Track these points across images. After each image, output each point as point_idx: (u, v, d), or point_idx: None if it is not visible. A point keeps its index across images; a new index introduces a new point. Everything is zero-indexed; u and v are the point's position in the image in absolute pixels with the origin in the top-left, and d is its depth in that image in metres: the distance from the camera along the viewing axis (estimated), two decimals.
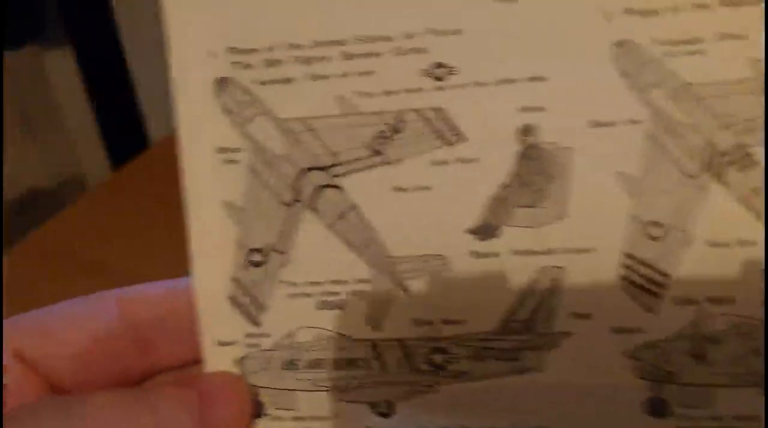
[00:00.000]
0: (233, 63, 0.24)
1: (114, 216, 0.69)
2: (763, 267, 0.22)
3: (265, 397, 0.25)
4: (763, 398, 0.22)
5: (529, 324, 0.23)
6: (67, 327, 0.25)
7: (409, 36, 0.24)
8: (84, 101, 0.91)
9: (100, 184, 0.80)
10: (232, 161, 0.25)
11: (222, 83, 0.24)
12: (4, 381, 0.24)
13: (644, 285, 0.23)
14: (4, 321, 0.25)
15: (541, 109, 0.23)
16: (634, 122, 0.23)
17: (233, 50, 0.24)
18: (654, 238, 0.23)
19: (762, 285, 0.22)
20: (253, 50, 0.24)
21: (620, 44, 0.23)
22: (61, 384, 0.25)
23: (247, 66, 0.24)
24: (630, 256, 0.23)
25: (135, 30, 0.91)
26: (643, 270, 0.23)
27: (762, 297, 0.22)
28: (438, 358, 0.24)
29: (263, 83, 0.24)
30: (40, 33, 0.88)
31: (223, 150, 0.25)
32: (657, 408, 0.23)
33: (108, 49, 0.89)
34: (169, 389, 0.24)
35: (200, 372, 0.26)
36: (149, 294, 0.26)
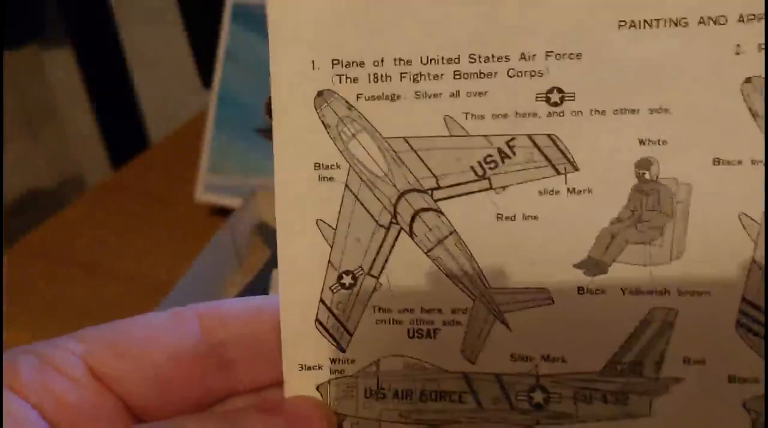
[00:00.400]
0: (337, 76, 0.23)
1: (114, 217, 0.69)
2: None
3: (348, 426, 0.24)
4: None
5: (636, 367, 0.22)
6: (146, 344, 0.24)
7: (527, 57, 0.22)
8: (84, 101, 0.91)
9: (100, 184, 0.80)
10: (329, 178, 0.24)
11: (324, 96, 0.23)
12: (77, 398, 0.23)
13: (762, 333, 0.22)
14: (72, 334, 0.24)
15: (662, 142, 0.22)
16: (759, 162, 0.22)
17: (338, 62, 0.23)
18: None
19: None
20: (359, 63, 0.23)
21: (750, 80, 0.22)
22: (138, 406, 0.24)
23: (352, 79, 0.23)
24: (749, 303, 0.22)
25: (135, 30, 0.90)
26: (761, 316, 0.22)
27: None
28: (538, 396, 0.23)
29: (368, 98, 0.23)
30: (40, 33, 0.88)
31: (319, 166, 0.24)
32: None
33: (108, 49, 0.89)
34: (256, 415, 0.23)
35: (279, 396, 0.24)
36: (230, 312, 0.25)
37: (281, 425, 0.23)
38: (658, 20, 0.22)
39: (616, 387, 0.22)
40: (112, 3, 0.89)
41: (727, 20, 0.22)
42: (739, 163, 0.22)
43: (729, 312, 0.22)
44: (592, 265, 0.23)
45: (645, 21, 0.22)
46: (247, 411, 0.23)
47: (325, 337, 0.24)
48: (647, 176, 0.22)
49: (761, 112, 0.22)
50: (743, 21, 0.22)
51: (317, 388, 0.24)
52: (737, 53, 0.22)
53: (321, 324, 0.24)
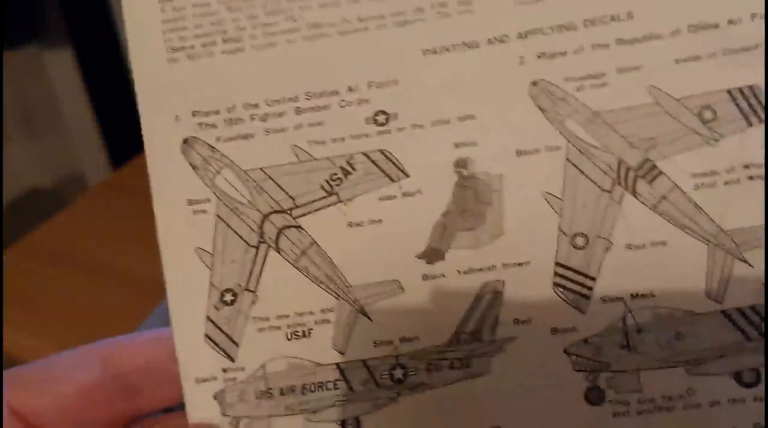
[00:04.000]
0: (198, 124, 0.28)
1: (114, 217, 0.69)
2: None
3: (243, 426, 0.27)
4: (688, 377, 0.25)
5: (476, 334, 0.26)
6: (58, 381, 0.28)
7: (353, 89, 0.27)
8: (84, 101, 0.92)
9: (100, 184, 0.81)
10: (202, 211, 0.28)
11: (189, 143, 0.28)
12: None
13: (575, 289, 0.26)
14: (5, 373, 0.28)
15: (473, 143, 0.27)
16: (554, 149, 0.26)
17: (197, 113, 0.28)
18: (580, 247, 0.26)
19: (677, 279, 0.25)
20: (215, 112, 0.28)
21: (535, 83, 0.27)
22: None
23: (211, 125, 0.28)
24: (561, 265, 0.26)
25: None
26: (572, 276, 0.26)
27: (679, 290, 0.25)
28: (398, 373, 0.27)
29: (226, 140, 0.28)
30: (40, 33, 0.89)
31: (192, 202, 0.28)
32: (594, 396, 0.25)
33: (108, 49, 0.90)
34: None
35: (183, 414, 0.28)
36: (132, 345, 0.29)
37: None
38: (454, 45, 0.27)
39: (461, 354, 0.26)
40: (112, 3, 0.90)
41: (509, 38, 0.27)
42: (537, 151, 0.27)
43: (546, 276, 0.26)
44: (431, 254, 0.27)
45: (443, 47, 0.27)
46: None
47: (216, 350, 0.28)
48: (465, 173, 0.27)
49: (547, 107, 0.26)
50: (523, 37, 0.27)
51: (214, 397, 0.28)
52: (521, 63, 0.27)
53: (210, 339, 0.28)
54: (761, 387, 0.24)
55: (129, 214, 0.68)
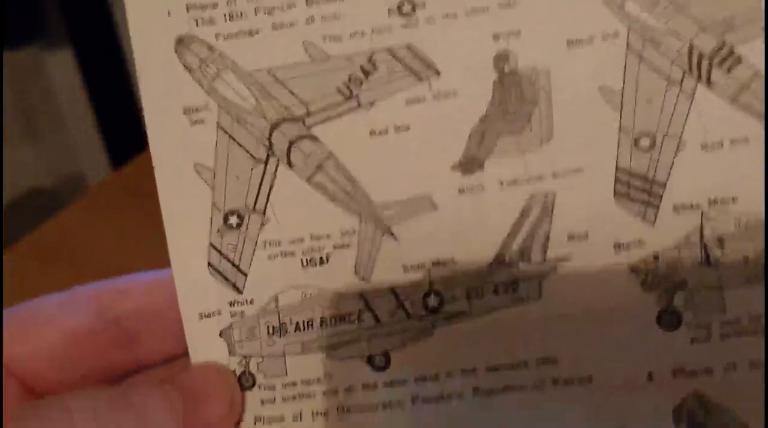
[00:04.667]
0: (193, 19, 0.24)
1: (114, 217, 0.68)
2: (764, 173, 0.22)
3: (254, 367, 0.24)
4: None
5: (524, 254, 0.23)
6: (42, 326, 0.24)
7: None
8: (84, 101, 0.92)
9: (100, 184, 0.80)
10: (200, 121, 0.24)
11: (183, 41, 0.24)
12: None
13: (641, 198, 0.22)
14: None
15: (515, 33, 0.23)
16: (611, 36, 0.23)
17: (193, 6, 0.24)
18: (645, 149, 0.22)
19: (763, 180, 0.21)
20: (213, 5, 0.24)
21: None
22: (39, 386, 0.24)
23: (209, 21, 0.24)
24: (623, 171, 0.22)
25: None
26: (637, 182, 0.22)
27: (761, 193, 0.21)
28: (432, 301, 0.23)
29: (226, 38, 0.24)
30: (40, 33, 0.89)
31: (189, 110, 0.24)
32: (669, 320, 0.22)
33: (108, 49, 0.89)
34: (150, 388, 0.23)
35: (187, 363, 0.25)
36: (129, 287, 0.25)
37: (176, 397, 0.23)
38: None
39: (506, 277, 0.23)
40: (112, 3, 0.89)
41: None
42: (591, 39, 0.23)
43: (605, 184, 0.22)
44: (468, 163, 0.23)
45: None
46: (143, 383, 0.24)
47: (220, 281, 0.24)
48: (506, 69, 0.23)
49: None
50: None
51: (220, 334, 0.24)
52: None
53: (214, 268, 0.24)
54: None
55: (129, 214, 0.65)
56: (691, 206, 0.22)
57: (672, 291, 0.22)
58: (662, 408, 0.22)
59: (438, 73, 0.23)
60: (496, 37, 0.23)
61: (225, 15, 0.24)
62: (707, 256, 0.22)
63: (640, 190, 0.22)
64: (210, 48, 0.24)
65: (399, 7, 0.24)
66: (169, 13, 0.24)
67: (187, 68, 0.24)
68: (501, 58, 0.23)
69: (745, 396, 0.21)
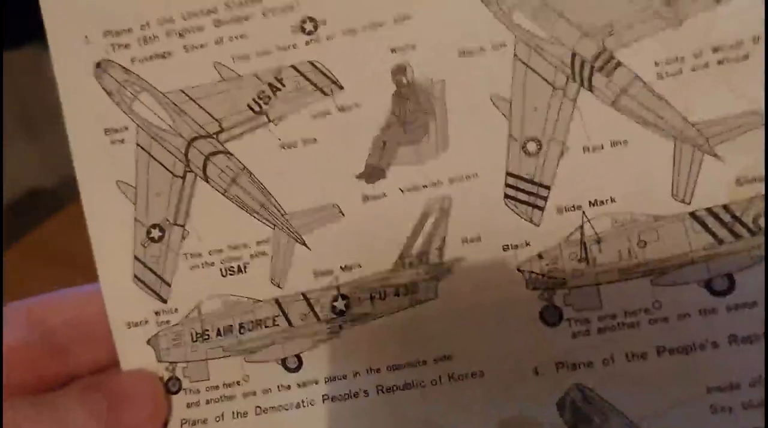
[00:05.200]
0: (111, 44, 0.26)
1: None
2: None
3: (180, 372, 0.26)
4: (652, 288, 0.22)
5: (423, 257, 0.24)
6: None
7: None
8: None
9: None
10: (120, 141, 0.26)
11: (102, 66, 0.26)
12: None
13: (527, 200, 0.23)
14: None
15: (411, 46, 0.24)
16: (500, 46, 0.24)
17: (109, 32, 0.26)
18: (532, 154, 0.23)
19: (640, 181, 0.23)
20: (127, 30, 0.25)
21: None
22: None
23: (124, 46, 0.26)
24: (512, 175, 0.24)
25: None
26: (525, 186, 0.23)
27: (642, 193, 0.22)
28: (340, 304, 0.24)
29: (141, 61, 0.25)
30: (40, 33, 0.90)
31: (109, 131, 0.26)
32: (551, 316, 0.23)
33: None
34: (74, 394, 0.25)
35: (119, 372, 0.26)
36: (60, 300, 0.27)
37: (100, 402, 0.24)
38: None
39: (406, 280, 0.24)
40: None
41: None
42: (482, 49, 0.24)
43: (496, 189, 0.24)
44: (371, 172, 0.25)
45: None
46: (68, 390, 0.25)
47: (146, 292, 0.26)
48: (404, 81, 0.24)
49: None
50: None
51: (148, 342, 0.26)
52: None
53: (139, 279, 0.26)
54: (735, 295, 0.22)
55: None
56: (573, 207, 0.23)
57: (553, 288, 0.23)
58: (547, 400, 0.23)
59: (341, 87, 0.25)
60: (393, 50, 0.24)
61: (139, 39, 0.26)
62: (586, 254, 0.23)
63: (527, 193, 0.23)
64: (127, 71, 0.26)
65: (302, 25, 0.25)
66: (87, 38, 0.26)
67: (107, 91, 0.26)
68: (399, 71, 0.25)
69: (623, 386, 0.22)
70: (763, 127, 0.22)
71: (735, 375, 0.22)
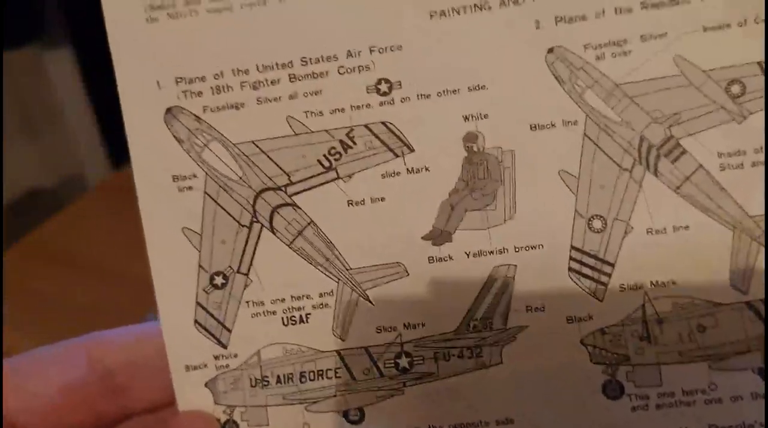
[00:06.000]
0: (183, 92, 0.26)
1: (114, 217, 0.70)
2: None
3: (238, 416, 0.26)
4: (709, 371, 0.24)
5: (487, 322, 0.25)
6: (36, 379, 0.26)
7: (353, 54, 0.25)
8: (84, 101, 0.92)
9: (100, 184, 0.81)
10: (188, 188, 0.26)
11: (172, 112, 0.26)
12: None
13: (591, 275, 0.25)
14: None
15: (483, 116, 0.25)
16: (571, 123, 0.25)
17: (181, 80, 0.26)
18: (597, 231, 0.25)
19: (700, 267, 0.24)
20: (200, 78, 0.26)
21: (552, 51, 0.25)
22: None
23: (197, 94, 0.26)
24: (577, 249, 0.25)
25: None
26: (589, 261, 0.25)
27: (701, 278, 0.24)
28: (403, 361, 0.26)
29: (213, 110, 0.26)
30: (40, 33, 0.88)
31: (178, 178, 0.26)
32: (613, 390, 0.25)
33: (108, 49, 0.89)
34: None
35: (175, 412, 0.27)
36: (119, 339, 0.27)
37: None
38: (464, 6, 0.25)
39: (470, 343, 0.25)
40: None
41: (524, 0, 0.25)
42: (553, 125, 0.25)
43: (561, 261, 0.25)
44: (438, 235, 0.26)
45: (452, 8, 0.25)
46: None
47: (206, 336, 0.26)
48: (475, 148, 0.25)
49: (564, 77, 0.25)
50: None
51: (206, 385, 0.27)
52: (537, 28, 0.25)
53: (200, 324, 0.26)
54: None
55: (129, 214, 0.69)
56: (636, 287, 0.25)
57: (616, 364, 0.25)
58: None
59: (412, 149, 0.26)
60: (466, 118, 0.25)
61: (212, 88, 0.26)
62: (648, 333, 0.25)
63: (591, 268, 0.25)
64: (198, 119, 0.26)
65: (377, 86, 0.26)
66: (158, 84, 0.26)
67: (177, 138, 0.26)
68: (470, 138, 0.26)
69: None
70: None
71: None
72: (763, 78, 0.24)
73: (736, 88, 0.24)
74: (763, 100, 0.24)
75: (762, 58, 0.24)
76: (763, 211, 0.24)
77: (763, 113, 0.24)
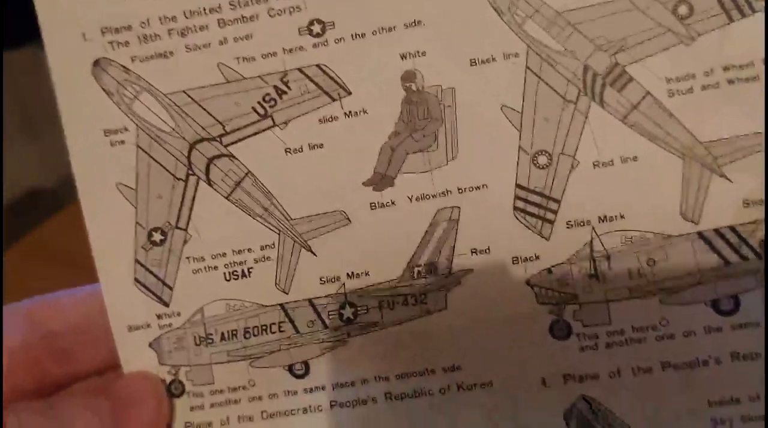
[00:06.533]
0: (109, 43, 0.25)
1: None
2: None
3: (183, 375, 0.26)
4: (660, 306, 0.23)
5: (431, 267, 0.24)
6: None
7: None
8: None
9: None
10: (120, 142, 0.25)
11: (100, 64, 0.25)
12: None
13: (537, 213, 0.24)
14: None
15: (421, 53, 0.24)
16: (512, 56, 0.24)
17: (108, 30, 0.25)
18: (542, 167, 0.24)
19: (649, 199, 0.23)
20: (127, 27, 0.25)
21: None
22: None
23: (124, 44, 0.25)
24: (522, 187, 0.24)
25: None
26: (535, 199, 0.24)
27: (650, 210, 0.23)
28: (347, 312, 0.25)
29: (142, 60, 0.25)
30: (40, 33, 0.88)
31: (109, 132, 0.25)
32: (560, 330, 0.24)
33: None
34: (78, 399, 0.25)
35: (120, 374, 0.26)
36: (61, 302, 0.27)
37: (104, 406, 0.24)
38: None
39: (415, 290, 0.24)
40: None
41: None
42: (493, 59, 0.24)
43: (506, 200, 0.24)
44: (379, 180, 0.25)
45: None
46: (71, 394, 0.25)
47: (147, 295, 0.26)
48: (414, 88, 0.24)
49: (504, 8, 0.24)
50: None
51: (150, 345, 0.26)
52: None
53: (140, 283, 0.26)
54: (740, 314, 0.23)
55: None
56: (583, 223, 0.24)
57: (563, 303, 0.24)
58: (554, 410, 0.24)
59: (349, 92, 0.25)
60: (402, 56, 0.24)
61: (139, 37, 0.25)
62: (595, 271, 0.23)
63: (537, 206, 0.24)
64: (126, 70, 0.25)
65: (309, 27, 0.25)
66: (84, 36, 0.25)
67: (106, 91, 0.25)
68: (408, 77, 0.24)
69: (629, 398, 0.23)
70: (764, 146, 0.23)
71: (736, 390, 0.23)
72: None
73: (683, 9, 0.23)
74: (712, 21, 0.23)
75: None
76: (713, 137, 0.23)
77: (712, 34, 0.23)
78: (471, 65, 0.24)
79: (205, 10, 0.25)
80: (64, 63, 0.25)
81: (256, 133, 0.25)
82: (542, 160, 0.24)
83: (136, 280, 0.26)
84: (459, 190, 0.24)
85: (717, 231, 0.23)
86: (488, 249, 0.24)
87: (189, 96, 0.25)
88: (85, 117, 0.25)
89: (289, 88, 0.25)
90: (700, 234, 0.23)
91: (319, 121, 0.25)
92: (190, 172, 0.26)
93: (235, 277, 0.26)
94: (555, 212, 0.24)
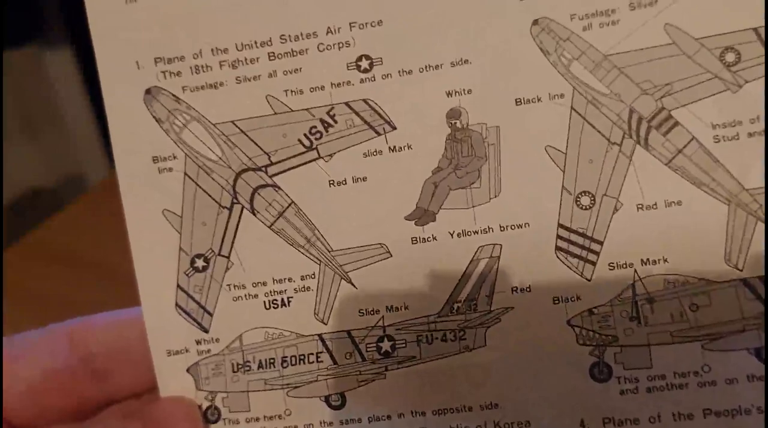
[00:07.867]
0: (162, 72, 0.26)
1: (114, 217, 0.71)
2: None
3: (219, 401, 0.26)
4: (703, 352, 0.23)
5: (471, 304, 0.24)
6: (18, 362, 0.26)
7: (333, 31, 0.25)
8: (84, 101, 0.93)
9: (100, 184, 0.81)
10: (168, 169, 0.26)
11: (152, 93, 0.26)
12: None
13: (579, 254, 0.24)
14: None
15: (467, 91, 0.25)
16: (557, 96, 0.24)
17: (161, 59, 0.26)
18: (585, 208, 0.24)
19: (693, 244, 0.23)
20: (180, 58, 0.26)
21: (537, 22, 0.24)
22: (18, 420, 0.26)
23: (176, 74, 0.26)
24: (564, 228, 0.24)
25: None
26: (577, 239, 0.24)
27: (694, 255, 0.23)
28: (385, 345, 0.25)
29: (193, 90, 0.26)
30: (40, 33, 0.90)
31: (157, 159, 0.26)
32: (600, 373, 0.24)
33: None
34: (113, 421, 0.25)
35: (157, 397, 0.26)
36: (101, 324, 0.27)
37: None
38: None
39: (454, 325, 0.25)
40: None
41: None
42: (539, 99, 0.24)
43: (548, 240, 0.24)
44: (421, 215, 0.25)
45: None
46: (107, 417, 0.25)
47: (187, 320, 0.26)
48: (458, 125, 0.25)
49: (551, 49, 0.24)
50: None
51: (188, 370, 0.26)
52: None
53: (181, 308, 0.26)
54: None
55: None
56: (625, 265, 0.24)
57: (604, 345, 0.24)
58: None
59: (394, 127, 0.25)
60: (449, 93, 0.25)
61: (191, 68, 0.26)
62: (637, 313, 0.24)
63: (579, 247, 0.24)
64: (177, 100, 0.26)
65: (357, 63, 0.25)
66: (138, 64, 0.26)
67: (156, 119, 0.26)
68: (453, 114, 0.25)
69: None
70: None
71: None
72: (758, 45, 0.23)
73: (730, 56, 0.23)
74: (759, 69, 0.23)
75: (757, 23, 0.23)
76: (760, 184, 0.23)
77: (759, 82, 0.23)
78: (516, 104, 0.25)
79: (256, 43, 0.25)
80: (117, 90, 0.26)
81: (300, 165, 0.26)
82: (585, 200, 0.24)
83: (177, 305, 0.26)
84: (501, 227, 0.25)
85: (761, 278, 0.23)
86: (529, 287, 0.24)
87: (237, 126, 0.26)
88: (135, 143, 0.26)
89: (335, 121, 0.25)
90: (745, 282, 0.23)
91: (364, 154, 0.25)
92: (235, 201, 0.26)
93: (275, 306, 0.26)
94: (597, 253, 0.24)
